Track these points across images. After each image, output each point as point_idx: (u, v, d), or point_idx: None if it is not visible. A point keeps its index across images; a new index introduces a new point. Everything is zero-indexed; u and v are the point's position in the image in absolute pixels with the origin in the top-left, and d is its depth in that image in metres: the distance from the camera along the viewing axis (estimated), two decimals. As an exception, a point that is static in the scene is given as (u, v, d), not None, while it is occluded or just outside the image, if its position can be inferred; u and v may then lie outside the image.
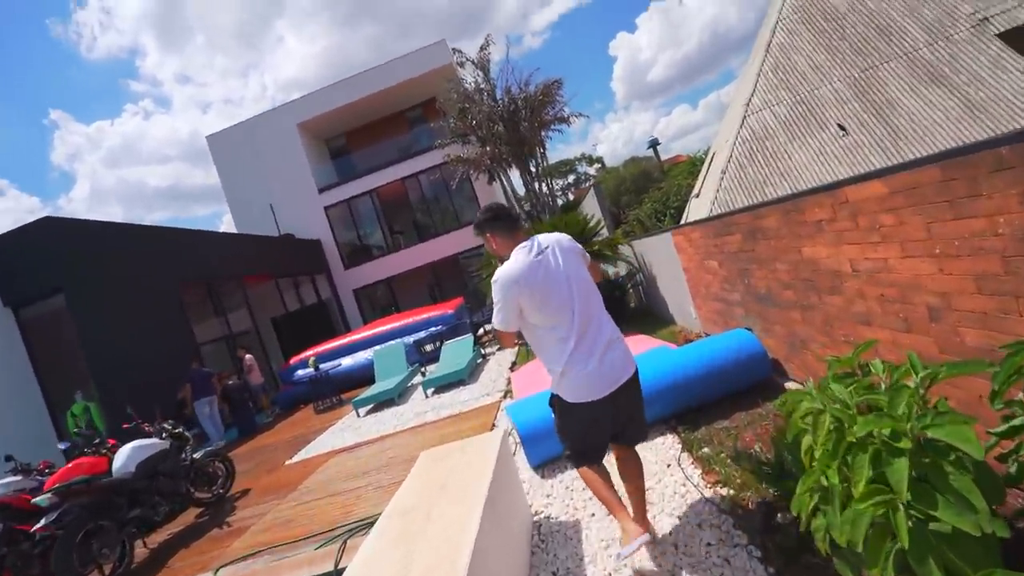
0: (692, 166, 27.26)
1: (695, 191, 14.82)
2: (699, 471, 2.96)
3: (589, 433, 2.26)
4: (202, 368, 9.08)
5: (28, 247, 9.23)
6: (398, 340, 10.76)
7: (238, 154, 19.82)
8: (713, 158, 13.70)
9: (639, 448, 2.46)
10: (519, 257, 2.17)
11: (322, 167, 20.24)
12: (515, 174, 15.00)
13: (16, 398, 9.13)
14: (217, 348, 12.55)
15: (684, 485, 2.87)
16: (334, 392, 9.81)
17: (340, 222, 19.74)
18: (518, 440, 3.87)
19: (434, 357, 9.70)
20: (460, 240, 18.75)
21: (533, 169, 14.62)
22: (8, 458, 5.77)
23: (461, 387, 7.30)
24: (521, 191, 14.58)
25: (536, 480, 3.48)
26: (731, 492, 2.64)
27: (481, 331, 9.65)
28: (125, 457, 4.65)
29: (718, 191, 11.10)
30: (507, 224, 2.28)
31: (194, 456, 5.38)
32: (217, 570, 3.58)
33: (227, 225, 18.46)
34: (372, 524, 2.94)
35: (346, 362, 11.03)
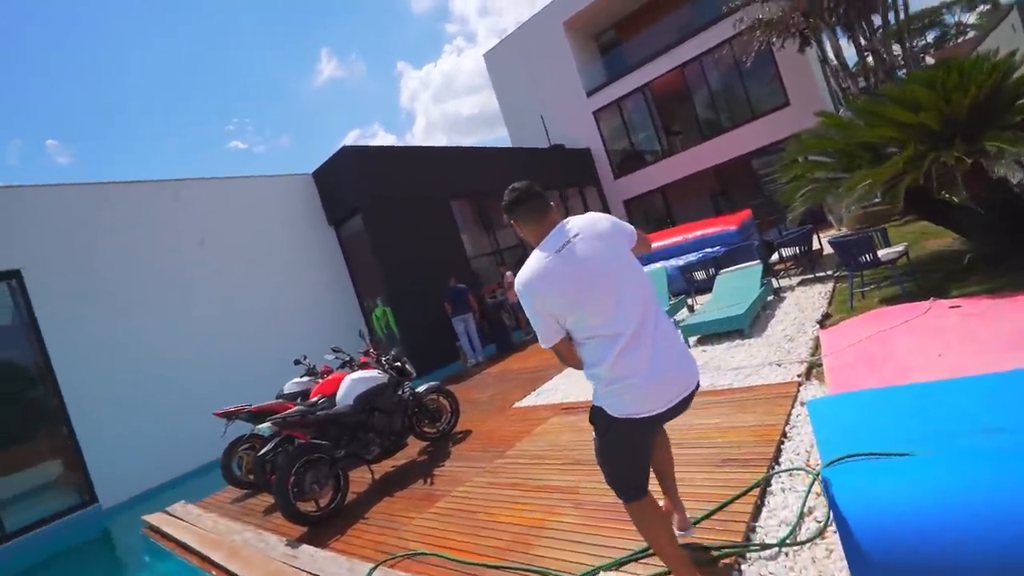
0: None
1: None
2: None
3: (637, 456, 1.85)
4: (458, 285, 9.18)
5: (337, 175, 10.67)
6: (659, 264, 8.90)
7: (511, 67, 19.75)
8: None
9: None
10: (537, 256, 1.80)
11: (591, 67, 18.52)
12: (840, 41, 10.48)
13: (340, 299, 11.09)
14: (490, 262, 13.06)
15: None
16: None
17: (610, 126, 18.04)
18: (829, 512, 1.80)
19: (706, 287, 7.57)
20: (754, 136, 14.86)
21: (879, 23, 9.97)
22: (297, 361, 6.58)
23: (738, 340, 5.17)
24: (851, 59, 10.01)
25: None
26: None
27: (775, 256, 6.96)
28: (345, 389, 4.45)
29: None
30: (531, 207, 1.88)
31: (416, 391, 5.01)
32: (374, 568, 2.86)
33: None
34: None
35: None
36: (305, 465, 3.92)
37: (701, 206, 18.03)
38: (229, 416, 5.55)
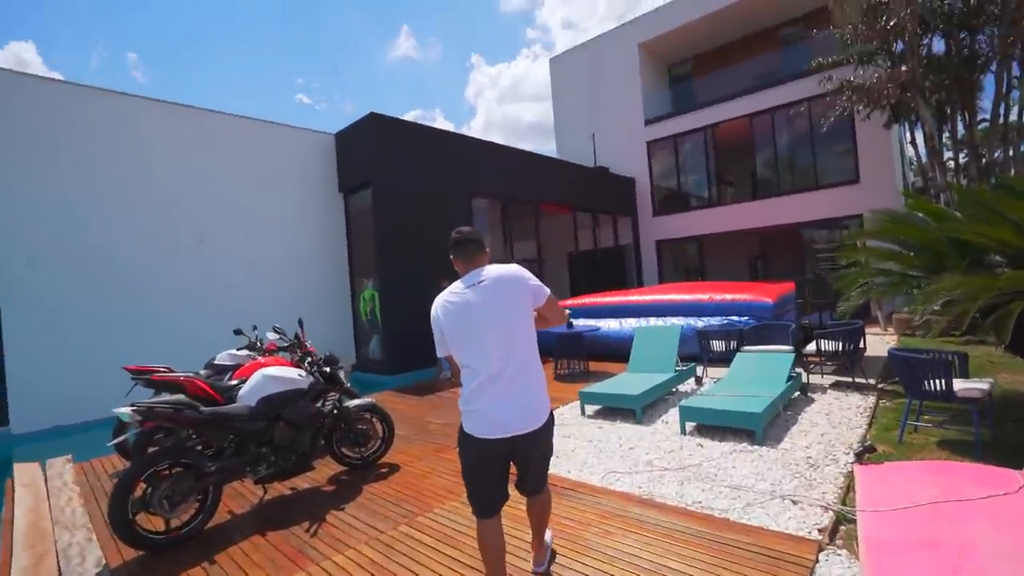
0: None
1: None
2: None
3: (481, 474, 2.17)
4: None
5: (357, 141, 9.91)
6: (676, 321, 7.90)
7: (574, 77, 18.92)
8: None
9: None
10: (452, 287, 2.18)
11: (656, 95, 17.58)
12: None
13: (332, 270, 10.30)
14: (499, 271, 12.15)
15: None
16: (582, 357, 7.84)
17: (661, 161, 17.03)
18: None
19: (721, 360, 6.54)
20: (812, 206, 13.70)
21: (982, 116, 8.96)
22: (238, 331, 5.76)
23: (746, 444, 4.15)
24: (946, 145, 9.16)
25: None
26: None
27: (811, 346, 5.91)
28: (251, 386, 3.58)
29: None
30: (467, 250, 2.23)
31: (346, 405, 4.12)
32: None
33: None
34: None
35: (609, 326, 8.85)
36: (163, 472, 3.07)
37: (736, 267, 16.93)
38: (138, 376, 4.76)
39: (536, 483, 2.30)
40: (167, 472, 3.09)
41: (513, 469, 2.26)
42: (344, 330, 10.33)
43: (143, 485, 3.01)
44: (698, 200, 16.51)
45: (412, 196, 9.73)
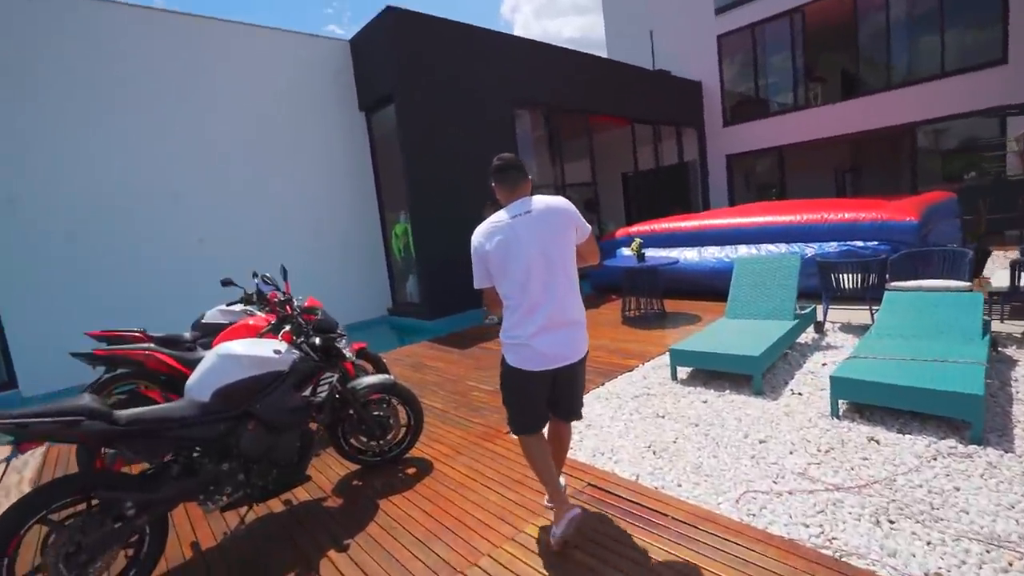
0: None
1: None
2: None
3: (525, 402, 2.22)
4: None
5: (374, 47, 8.25)
6: (789, 249, 6.28)
7: (630, -38, 16.00)
8: None
9: None
10: (497, 216, 2.13)
11: (731, -25, 14.59)
12: None
13: (359, 202, 9.05)
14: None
15: None
16: (657, 295, 6.41)
17: (735, 58, 14.37)
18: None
19: (850, 299, 4.95)
20: (931, 99, 11.07)
21: None
22: (227, 281, 4.57)
23: (957, 443, 2.71)
24: None
25: None
26: None
27: (1007, 279, 4.20)
28: (202, 372, 2.41)
29: None
30: (510, 176, 2.18)
31: (354, 387, 2.93)
32: None
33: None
34: None
35: (686, 257, 7.28)
36: (68, 521, 2.00)
37: (818, 185, 14.46)
38: (91, 355, 3.62)
39: (571, 409, 2.32)
40: (70, 516, 2.02)
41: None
42: (377, 272, 9.22)
43: (39, 535, 1.95)
44: (780, 103, 13.94)
45: (444, 109, 8.14)
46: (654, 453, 2.95)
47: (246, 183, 7.82)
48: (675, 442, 3.06)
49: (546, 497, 2.44)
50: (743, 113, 14.42)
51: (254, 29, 7.99)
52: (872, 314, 4.64)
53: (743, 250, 6.89)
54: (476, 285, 2.17)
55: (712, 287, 6.92)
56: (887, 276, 4.74)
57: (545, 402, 2.23)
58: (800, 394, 3.54)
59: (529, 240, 2.02)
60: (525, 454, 2.27)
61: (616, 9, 16.76)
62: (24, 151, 6.19)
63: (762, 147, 14.09)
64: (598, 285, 8.71)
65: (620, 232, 8.73)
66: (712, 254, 7.16)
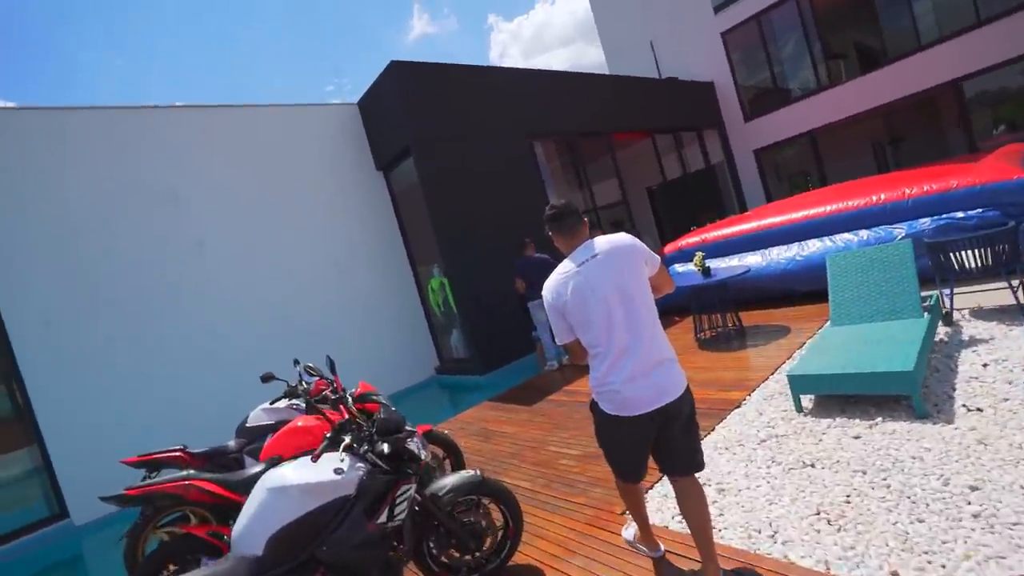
0: None
1: None
2: None
3: (629, 449, 2.10)
4: (536, 255, 6.29)
5: (383, 104, 8.07)
6: (871, 235, 5.57)
7: (617, -20, 15.95)
8: None
9: None
10: (564, 265, 2.07)
11: (723, -29, 14.30)
12: None
13: (390, 266, 8.70)
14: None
15: None
16: (731, 309, 5.72)
17: (743, 52, 13.89)
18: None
19: (974, 278, 4.18)
20: (971, 51, 10.29)
21: None
22: (269, 377, 4.03)
23: None
24: None
25: None
26: None
27: None
28: (249, 517, 1.88)
29: None
30: (567, 223, 2.11)
31: (436, 493, 2.36)
32: None
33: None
34: None
35: (752, 262, 6.60)
36: None
37: (856, 166, 13.46)
38: (145, 467, 3.38)
39: (690, 460, 2.06)
40: None
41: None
42: (419, 331, 8.76)
43: None
44: (801, 88, 13.30)
45: (462, 152, 7.82)
46: (829, 523, 2.26)
47: (268, 262, 7.54)
48: (848, 502, 2.36)
49: (631, 529, 2.51)
50: (763, 105, 13.81)
51: (259, 110, 7.92)
52: (1016, 294, 3.86)
53: (814, 245, 6.19)
54: (559, 341, 2.09)
55: (784, 291, 6.25)
56: (1020, 247, 3.97)
57: (648, 451, 2.10)
58: (980, 410, 2.80)
59: (604, 284, 1.94)
60: (622, 496, 2.30)
61: (611, 28, 16.65)
62: (58, 271, 6.07)
63: (791, 135, 13.38)
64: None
65: (669, 247, 8.10)
66: (779, 255, 6.46)
